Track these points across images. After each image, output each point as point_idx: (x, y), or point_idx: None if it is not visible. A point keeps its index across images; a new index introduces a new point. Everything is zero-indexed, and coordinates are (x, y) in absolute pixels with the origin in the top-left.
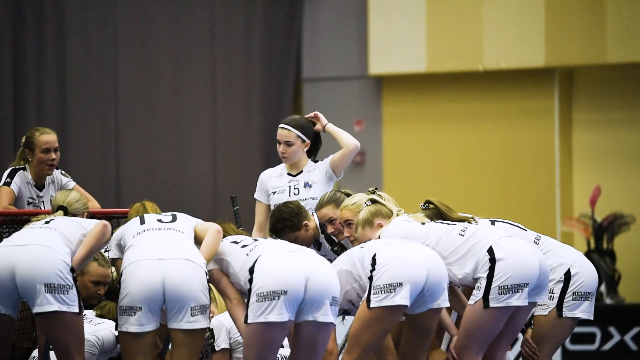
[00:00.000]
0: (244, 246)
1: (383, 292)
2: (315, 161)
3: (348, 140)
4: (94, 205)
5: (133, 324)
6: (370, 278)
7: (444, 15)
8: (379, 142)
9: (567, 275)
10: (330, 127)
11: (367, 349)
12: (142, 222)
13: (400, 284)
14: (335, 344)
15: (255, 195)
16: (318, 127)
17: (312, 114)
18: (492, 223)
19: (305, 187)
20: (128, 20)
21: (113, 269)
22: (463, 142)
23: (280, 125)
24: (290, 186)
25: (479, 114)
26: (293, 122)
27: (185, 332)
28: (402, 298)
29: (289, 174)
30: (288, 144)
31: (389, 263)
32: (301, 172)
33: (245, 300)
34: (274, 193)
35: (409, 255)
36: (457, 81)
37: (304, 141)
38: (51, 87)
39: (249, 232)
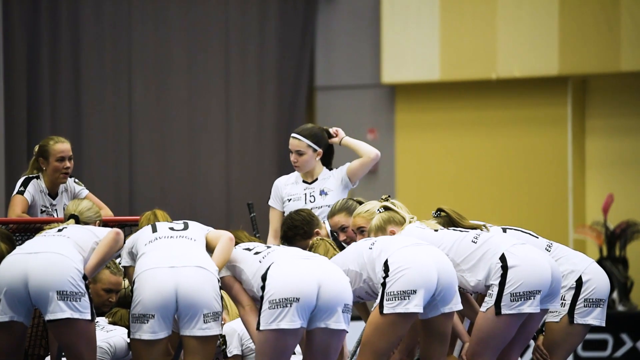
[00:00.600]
0: (256, 253)
1: (397, 298)
2: (330, 169)
3: (368, 149)
4: (107, 213)
5: (146, 332)
6: (384, 284)
7: (458, 24)
8: (392, 151)
9: (579, 282)
10: (347, 140)
11: (380, 355)
12: (154, 230)
13: (414, 291)
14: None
15: (270, 202)
16: (335, 140)
17: (333, 130)
18: (504, 231)
19: (321, 194)
20: (142, 28)
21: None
22: (476, 150)
23: (292, 135)
24: (306, 193)
25: (492, 122)
26: (304, 131)
27: (198, 339)
28: (415, 306)
29: (304, 181)
30: (299, 153)
31: (404, 269)
32: (316, 179)
33: (258, 307)
34: (289, 200)
35: (421, 261)
36: (470, 89)
37: (315, 150)
38: (65, 95)
39: (264, 240)
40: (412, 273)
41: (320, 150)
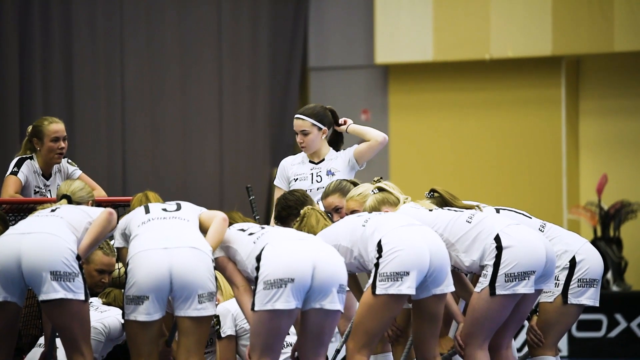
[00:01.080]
0: (250, 234)
1: (390, 279)
2: (338, 150)
3: (376, 133)
4: (100, 193)
5: (141, 313)
6: (377, 265)
7: (451, 4)
8: (385, 131)
9: (572, 262)
10: (354, 127)
11: (372, 336)
12: (147, 211)
13: (407, 273)
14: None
15: (275, 182)
16: (342, 127)
17: (342, 120)
18: (497, 211)
19: (328, 174)
20: (135, 10)
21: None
22: (470, 131)
23: (296, 116)
24: (312, 173)
25: (485, 103)
26: (307, 110)
27: (193, 320)
28: (408, 287)
29: (311, 161)
30: (304, 133)
31: (397, 251)
32: (323, 160)
33: (253, 287)
34: (296, 180)
35: (415, 243)
36: (464, 70)
37: (320, 129)
38: (57, 76)
39: (266, 221)
40: (405, 254)
41: (325, 128)
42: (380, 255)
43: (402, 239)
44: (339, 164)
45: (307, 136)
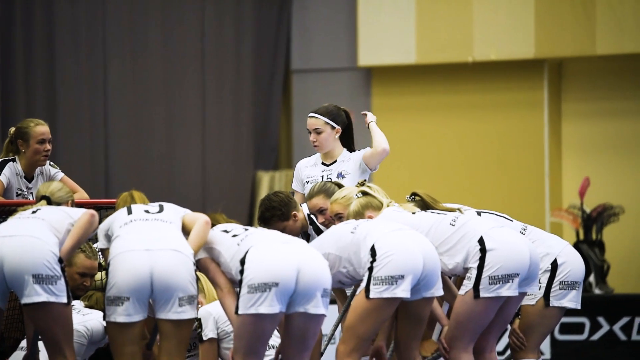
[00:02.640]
0: (234, 235)
1: (384, 283)
2: (352, 151)
3: (378, 142)
4: (83, 196)
5: (121, 314)
6: (370, 269)
7: (434, 7)
8: (368, 134)
9: (554, 265)
10: (373, 125)
11: (363, 339)
12: (130, 212)
13: (402, 277)
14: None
15: (293, 186)
16: (366, 121)
17: (361, 113)
18: (479, 214)
19: (338, 177)
20: (118, 12)
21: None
22: (452, 134)
23: (309, 115)
24: (323, 175)
25: (468, 106)
26: (320, 109)
27: (173, 323)
28: (403, 291)
29: (323, 163)
30: (317, 131)
31: (391, 255)
32: (335, 161)
33: (236, 290)
34: (308, 182)
35: (409, 247)
36: (446, 72)
37: (333, 127)
38: (40, 77)
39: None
40: (400, 258)
41: (338, 127)
42: (374, 259)
43: (396, 243)
44: (350, 166)
45: (320, 135)
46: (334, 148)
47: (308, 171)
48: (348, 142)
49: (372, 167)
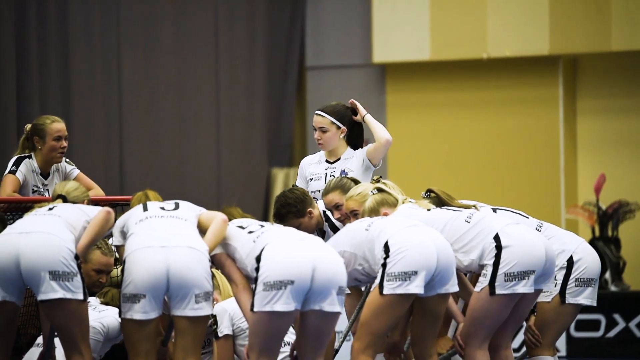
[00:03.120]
0: (250, 232)
1: (398, 279)
2: (355, 149)
3: (381, 134)
4: (98, 192)
5: (137, 312)
6: (384, 265)
7: (448, 3)
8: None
9: (570, 262)
10: (368, 118)
11: (377, 336)
12: (145, 209)
13: (415, 272)
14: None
15: (297, 183)
16: (358, 117)
17: (349, 102)
18: (494, 211)
19: (341, 174)
20: (131, 11)
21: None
22: (467, 130)
23: (316, 112)
24: (326, 173)
25: (482, 102)
26: (328, 108)
27: (189, 320)
28: (416, 287)
29: (327, 160)
30: (322, 130)
31: (404, 251)
32: (339, 159)
33: (252, 286)
34: (311, 180)
35: (422, 243)
36: (461, 69)
37: (339, 127)
38: (54, 75)
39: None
40: (413, 254)
41: (343, 127)
42: (387, 255)
43: (409, 239)
44: (353, 164)
45: (325, 134)
46: (338, 147)
47: (312, 168)
48: (356, 141)
49: (375, 163)
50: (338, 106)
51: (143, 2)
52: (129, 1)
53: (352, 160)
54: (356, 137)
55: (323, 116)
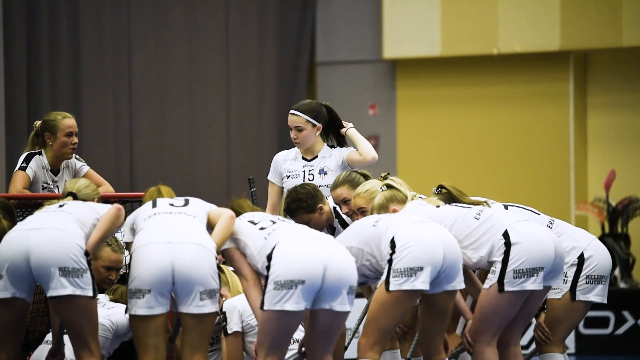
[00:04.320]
0: (262, 228)
1: (403, 275)
2: (332, 146)
3: (366, 151)
4: (108, 189)
5: (142, 307)
6: (390, 261)
7: None
8: (393, 126)
9: (581, 259)
10: (352, 132)
11: (384, 332)
12: (154, 205)
13: (421, 268)
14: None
15: (269, 177)
16: (342, 130)
17: (345, 123)
18: (506, 207)
19: (320, 173)
20: (142, 8)
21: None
22: (477, 126)
23: (290, 112)
24: (305, 171)
25: (493, 98)
26: (302, 107)
27: (195, 317)
28: (422, 282)
29: (303, 158)
30: (298, 129)
31: (410, 246)
32: (316, 157)
33: (262, 281)
34: (288, 177)
35: (428, 238)
36: (471, 65)
37: (314, 125)
38: (65, 71)
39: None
40: (418, 250)
41: (319, 125)
42: (393, 251)
43: (415, 235)
44: (332, 163)
45: (301, 132)
46: (315, 144)
47: (288, 165)
48: (337, 137)
49: (354, 168)
50: (312, 104)
51: (153, 1)
52: (140, 0)
53: (331, 160)
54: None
55: (298, 115)
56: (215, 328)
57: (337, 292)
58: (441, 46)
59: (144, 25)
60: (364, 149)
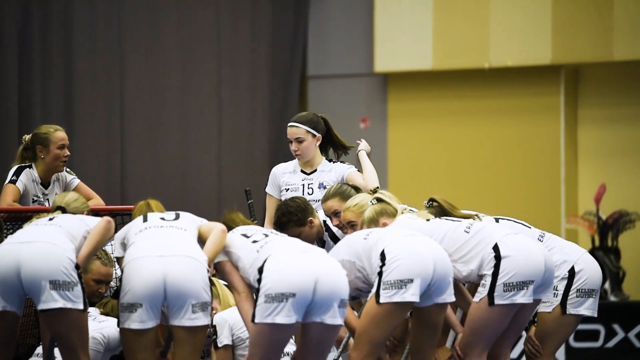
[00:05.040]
0: (254, 241)
1: (393, 287)
2: (330, 160)
3: (371, 180)
4: (99, 202)
5: (134, 321)
6: (380, 273)
7: (451, 13)
8: (384, 140)
9: (571, 273)
10: (362, 155)
11: (375, 345)
12: (145, 220)
13: (411, 280)
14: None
15: (267, 189)
16: (357, 148)
17: (358, 141)
18: (497, 221)
19: (319, 187)
20: (134, 16)
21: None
22: (469, 140)
23: (289, 124)
24: (304, 184)
25: (484, 112)
26: (300, 118)
27: (187, 330)
28: (412, 295)
29: (302, 171)
30: (299, 140)
31: (400, 259)
32: (315, 170)
33: (254, 295)
34: (287, 190)
35: (418, 251)
36: (463, 78)
37: (314, 136)
38: (56, 83)
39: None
40: (408, 262)
41: (319, 135)
42: (383, 263)
43: (406, 247)
44: (331, 178)
45: (302, 143)
46: (315, 156)
47: (287, 178)
48: (334, 148)
49: None
50: (310, 115)
51: (145, 10)
52: (132, 9)
53: (330, 174)
54: (333, 145)
55: (297, 126)
56: (205, 341)
57: (328, 305)
58: (433, 60)
59: (136, 37)
60: (369, 177)
